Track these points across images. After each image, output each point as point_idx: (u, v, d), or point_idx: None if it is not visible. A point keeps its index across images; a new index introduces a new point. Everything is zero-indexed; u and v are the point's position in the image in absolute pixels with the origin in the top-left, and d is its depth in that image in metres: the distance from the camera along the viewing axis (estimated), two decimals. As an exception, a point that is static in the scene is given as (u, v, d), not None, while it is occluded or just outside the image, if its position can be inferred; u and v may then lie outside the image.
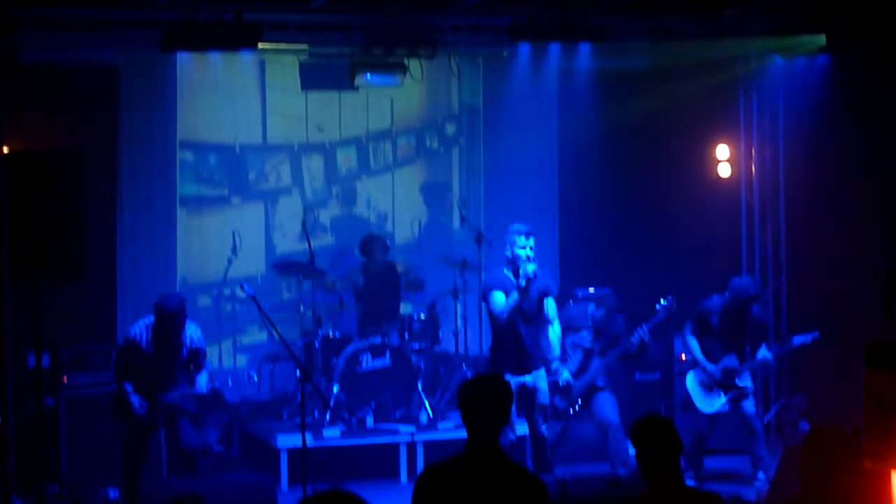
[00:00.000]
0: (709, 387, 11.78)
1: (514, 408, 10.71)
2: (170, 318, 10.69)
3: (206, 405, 12.58)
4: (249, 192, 14.35)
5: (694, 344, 11.87)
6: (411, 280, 13.82)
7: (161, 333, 10.71)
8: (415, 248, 14.47)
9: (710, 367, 11.75)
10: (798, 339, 11.90)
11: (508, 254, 10.81)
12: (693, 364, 11.97)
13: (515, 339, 10.72)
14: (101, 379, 11.72)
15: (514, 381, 10.63)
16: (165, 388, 10.74)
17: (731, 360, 11.75)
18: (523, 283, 10.62)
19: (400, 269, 13.82)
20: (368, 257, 13.55)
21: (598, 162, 14.44)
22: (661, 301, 11.70)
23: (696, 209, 14.40)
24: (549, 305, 10.92)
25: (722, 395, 11.75)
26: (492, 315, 10.81)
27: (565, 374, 11.52)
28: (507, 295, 10.71)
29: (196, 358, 10.91)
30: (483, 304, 10.98)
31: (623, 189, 14.55)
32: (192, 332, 10.91)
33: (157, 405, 10.70)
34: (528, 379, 10.73)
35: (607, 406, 11.73)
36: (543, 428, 10.86)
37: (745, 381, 11.77)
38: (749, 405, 11.75)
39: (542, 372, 10.88)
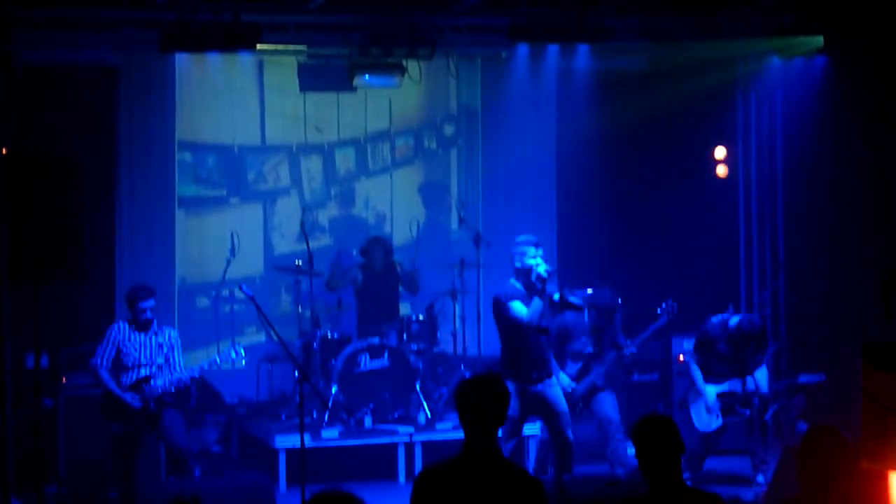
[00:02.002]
0: (709, 408, 11.82)
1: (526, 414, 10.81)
2: (137, 297, 10.85)
3: (199, 401, 12.66)
4: (248, 192, 14.35)
5: (697, 373, 11.89)
6: (410, 276, 13.80)
7: (133, 319, 10.87)
8: (413, 249, 14.46)
9: (710, 398, 11.78)
10: (803, 379, 11.94)
11: (518, 264, 10.73)
12: (692, 385, 12.02)
13: (528, 349, 10.68)
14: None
15: (530, 389, 10.64)
16: (149, 381, 10.80)
17: (735, 385, 11.76)
18: (539, 286, 10.56)
19: (399, 269, 13.81)
20: (368, 259, 13.55)
21: (597, 163, 14.43)
22: (663, 305, 11.71)
23: (695, 210, 14.40)
24: (572, 299, 10.91)
25: (721, 417, 11.79)
26: (515, 325, 10.68)
27: (566, 381, 11.52)
28: (525, 304, 10.64)
29: (170, 362, 10.95)
30: (499, 315, 10.82)
31: (621, 190, 14.56)
32: (171, 332, 11.05)
33: (146, 396, 10.73)
34: (540, 388, 10.71)
35: (607, 404, 11.74)
36: (569, 433, 10.84)
37: (746, 409, 11.81)
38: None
39: (554, 379, 10.88)
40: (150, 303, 10.98)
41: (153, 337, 10.96)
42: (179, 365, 10.95)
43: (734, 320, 11.81)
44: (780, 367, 14.25)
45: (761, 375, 11.83)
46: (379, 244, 13.65)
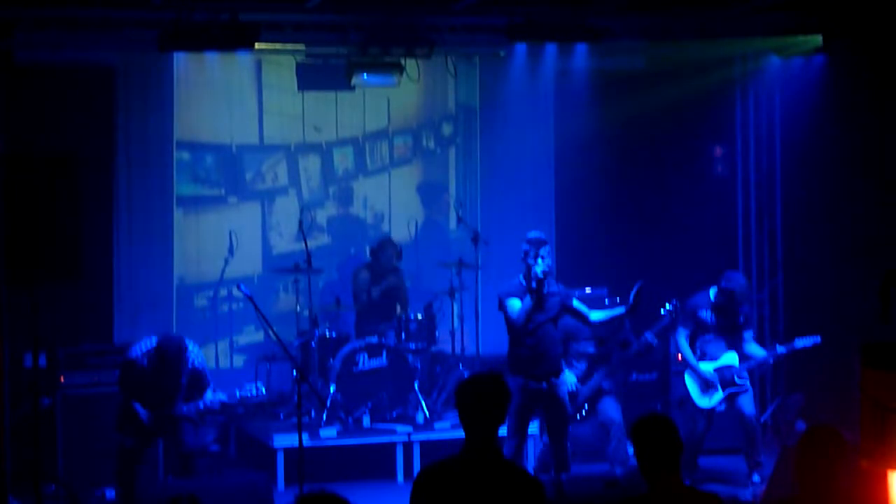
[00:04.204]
0: (707, 382, 11.77)
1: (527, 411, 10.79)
2: (170, 358, 10.79)
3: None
4: (246, 192, 14.34)
5: (686, 349, 11.86)
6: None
7: (161, 365, 10.80)
8: (411, 249, 14.46)
9: (702, 371, 11.76)
10: (800, 342, 11.88)
11: (524, 261, 10.77)
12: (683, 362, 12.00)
13: (525, 345, 10.70)
14: (98, 379, 11.71)
15: (531, 386, 10.63)
16: (170, 405, 10.80)
17: (729, 357, 11.76)
18: (534, 284, 10.58)
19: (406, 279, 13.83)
20: (377, 261, 13.56)
21: (595, 162, 14.44)
22: (667, 305, 11.70)
23: (693, 209, 14.41)
24: (577, 305, 10.93)
25: (720, 390, 11.75)
26: (510, 322, 10.75)
27: (572, 379, 11.53)
28: (522, 300, 10.68)
29: (198, 382, 10.95)
30: (500, 312, 10.90)
31: (619, 189, 14.55)
32: (194, 356, 10.97)
33: (162, 416, 10.76)
34: (545, 386, 10.72)
35: (611, 407, 11.79)
36: (566, 435, 10.85)
37: (745, 380, 11.79)
38: (748, 405, 11.73)
39: (562, 379, 10.88)
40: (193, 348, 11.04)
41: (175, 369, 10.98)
42: (208, 385, 10.98)
43: (713, 290, 11.83)
44: (779, 366, 14.26)
45: (754, 347, 11.85)
46: (390, 247, 13.65)
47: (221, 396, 10.96)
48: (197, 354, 10.99)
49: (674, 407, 12.86)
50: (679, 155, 14.57)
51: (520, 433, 10.78)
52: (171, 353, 10.76)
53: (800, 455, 6.05)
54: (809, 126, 13.59)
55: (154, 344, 10.82)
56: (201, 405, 10.90)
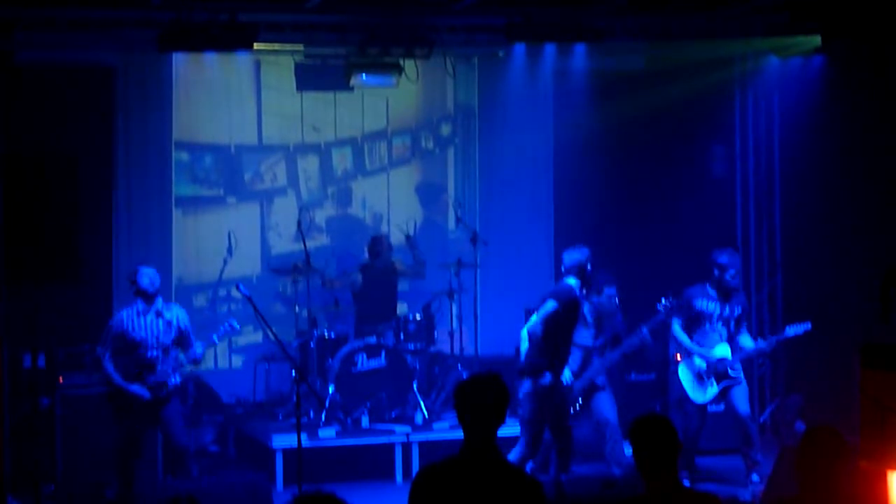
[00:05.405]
0: (701, 376, 11.75)
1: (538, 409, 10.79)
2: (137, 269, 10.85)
3: (196, 401, 12.68)
4: (245, 192, 14.34)
5: (682, 335, 11.82)
6: (416, 265, 13.83)
7: (145, 309, 10.77)
8: (410, 249, 14.45)
9: (702, 353, 11.70)
10: (791, 330, 11.84)
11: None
12: (683, 354, 11.97)
13: (565, 343, 10.75)
14: (97, 379, 11.69)
15: (564, 381, 10.71)
16: (157, 366, 10.74)
17: (722, 350, 11.75)
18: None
19: (399, 267, 13.80)
20: (374, 258, 13.56)
21: (594, 162, 14.44)
22: (662, 301, 11.69)
23: (692, 209, 14.40)
24: None
25: (714, 383, 11.73)
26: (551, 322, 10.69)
27: (567, 374, 11.53)
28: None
29: (183, 340, 10.89)
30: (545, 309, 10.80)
31: (618, 189, 14.55)
32: (178, 311, 10.95)
33: (154, 385, 10.70)
34: (565, 377, 10.80)
35: (606, 405, 11.75)
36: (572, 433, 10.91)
37: (738, 372, 11.78)
38: (741, 401, 11.71)
39: (568, 372, 10.95)
40: (149, 270, 10.85)
41: (158, 317, 10.82)
42: (194, 342, 10.88)
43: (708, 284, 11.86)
44: (778, 365, 14.26)
45: (746, 339, 11.84)
46: (384, 241, 13.67)
47: (199, 350, 10.95)
48: (180, 310, 11.00)
49: (672, 407, 12.85)
50: (679, 155, 14.56)
51: (536, 444, 10.78)
52: (137, 269, 10.87)
53: (800, 455, 6.05)
54: (808, 126, 13.59)
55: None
56: (183, 359, 10.91)
